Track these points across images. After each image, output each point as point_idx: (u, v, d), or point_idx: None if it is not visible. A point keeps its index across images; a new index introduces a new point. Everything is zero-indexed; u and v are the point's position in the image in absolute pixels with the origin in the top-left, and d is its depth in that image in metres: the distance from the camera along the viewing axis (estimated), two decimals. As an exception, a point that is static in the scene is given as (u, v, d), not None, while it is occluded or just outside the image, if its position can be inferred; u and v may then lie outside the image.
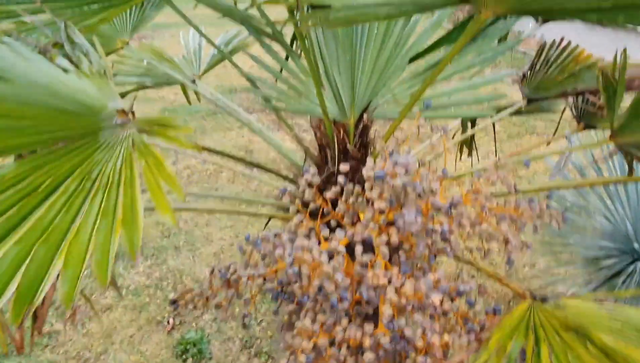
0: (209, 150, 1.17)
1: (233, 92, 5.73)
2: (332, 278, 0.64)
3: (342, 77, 1.10)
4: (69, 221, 0.46)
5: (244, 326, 0.92)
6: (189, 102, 1.90)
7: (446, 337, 0.64)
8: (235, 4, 1.13)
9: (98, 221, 0.47)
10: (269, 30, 1.01)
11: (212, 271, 0.94)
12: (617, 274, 2.08)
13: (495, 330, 0.59)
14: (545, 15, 0.67)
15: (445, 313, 0.69)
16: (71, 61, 0.74)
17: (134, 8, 0.97)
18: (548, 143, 1.51)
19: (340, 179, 0.77)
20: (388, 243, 0.70)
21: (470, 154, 1.83)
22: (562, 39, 1.45)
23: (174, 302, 0.95)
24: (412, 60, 1.11)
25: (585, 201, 2.16)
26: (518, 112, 1.54)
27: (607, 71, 0.84)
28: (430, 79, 0.78)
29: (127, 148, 0.57)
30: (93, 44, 0.79)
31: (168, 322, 2.66)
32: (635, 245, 1.93)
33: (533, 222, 0.94)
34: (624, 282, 2.02)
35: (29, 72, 0.65)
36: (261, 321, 2.68)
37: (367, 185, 0.75)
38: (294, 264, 0.67)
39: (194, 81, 1.64)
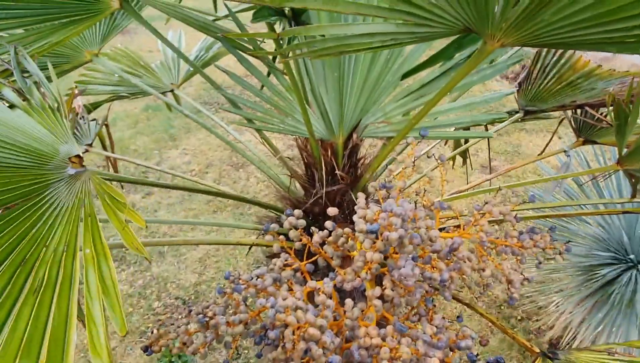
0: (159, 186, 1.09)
1: (220, 89, 5.61)
2: (320, 340, 0.57)
3: (330, 95, 1.02)
4: (38, 276, 0.38)
5: (225, 372, 0.84)
6: (169, 109, 1.81)
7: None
8: (215, 9, 1.05)
9: (68, 322, 0.39)
10: (248, 46, 0.93)
11: (189, 312, 0.86)
12: (611, 282, 2.05)
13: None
14: (551, 47, 0.60)
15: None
16: (20, 94, 0.65)
17: (102, 17, 0.87)
18: (540, 154, 1.45)
19: (329, 224, 0.69)
20: (381, 297, 0.63)
21: (464, 163, 1.77)
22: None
23: (146, 349, 0.87)
24: (404, 76, 1.03)
25: (581, 209, 2.11)
26: (514, 123, 1.48)
27: (621, 99, 0.77)
28: (426, 109, 0.71)
29: (87, 210, 0.49)
30: (46, 68, 0.70)
31: (152, 332, 2.57)
32: (631, 256, 1.89)
33: (536, 255, 0.88)
34: (617, 291, 1.99)
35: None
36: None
37: (357, 228, 0.68)
38: (276, 323, 0.60)
39: (172, 91, 1.55)
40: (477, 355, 0.66)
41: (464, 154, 1.81)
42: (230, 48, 0.93)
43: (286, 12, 0.88)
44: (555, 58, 1.42)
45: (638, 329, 1.95)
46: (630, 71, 1.38)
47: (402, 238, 0.57)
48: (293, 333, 0.61)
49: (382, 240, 0.58)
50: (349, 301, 0.63)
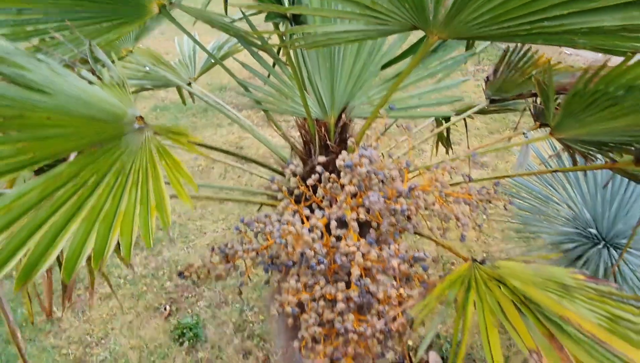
0: (205, 146, 1.32)
1: (223, 90, 5.88)
2: (311, 246, 0.81)
3: (323, 82, 1.26)
4: (115, 206, 0.62)
5: (240, 293, 1.08)
6: (184, 103, 2.06)
7: (402, 291, 0.80)
8: (226, 11, 1.29)
9: (138, 206, 0.63)
10: (257, 42, 1.17)
11: (212, 249, 1.10)
12: (579, 257, 2.28)
13: (439, 283, 0.75)
14: (478, 40, 0.84)
15: (403, 275, 0.86)
16: (93, 74, 0.90)
17: (143, 21, 1.12)
18: (509, 139, 1.69)
19: (319, 168, 0.94)
20: (357, 220, 0.86)
21: (447, 152, 2.00)
22: (523, 45, 1.62)
23: (180, 274, 1.11)
24: (384, 67, 1.28)
25: (551, 191, 2.35)
26: (483, 111, 1.72)
27: (539, 78, 1.01)
28: (393, 86, 0.95)
29: (149, 151, 0.73)
30: (111, 58, 0.94)
31: (165, 309, 2.81)
32: (593, 231, 2.12)
33: (482, 204, 1.12)
34: (584, 264, 2.23)
35: (64, 86, 0.81)
36: (253, 306, 2.84)
37: (342, 174, 0.92)
38: (281, 236, 0.83)
39: (189, 84, 1.80)
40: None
41: (447, 142, 2.05)
42: (245, 44, 1.17)
43: (288, 15, 1.13)
44: (519, 55, 1.66)
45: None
46: (590, 66, 1.62)
47: (370, 173, 0.81)
48: (293, 248, 0.85)
49: (355, 176, 0.82)
50: (333, 224, 0.87)
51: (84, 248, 0.56)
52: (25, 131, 0.64)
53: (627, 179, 2.24)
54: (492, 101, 1.63)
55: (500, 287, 0.69)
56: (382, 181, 0.87)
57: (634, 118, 1.00)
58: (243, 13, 1.13)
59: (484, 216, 3.66)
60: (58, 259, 1.20)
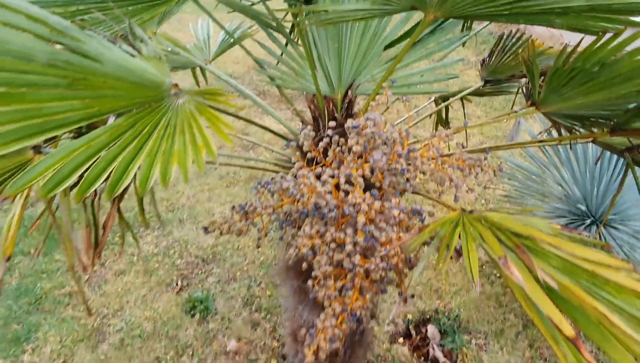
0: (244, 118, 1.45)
1: (252, 56, 5.98)
2: (324, 197, 0.94)
3: (332, 62, 1.39)
4: (169, 146, 0.75)
5: (258, 246, 1.21)
6: (198, 85, 2.18)
7: (401, 234, 0.93)
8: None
9: (189, 146, 0.76)
10: (273, 23, 1.30)
11: (233, 207, 1.23)
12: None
13: (431, 224, 0.88)
14: (472, 18, 0.96)
15: (403, 225, 0.99)
16: (133, 48, 1.03)
17: (173, 3, 1.25)
18: (500, 117, 1.80)
19: (329, 132, 1.07)
20: (363, 176, 0.99)
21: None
22: (517, 30, 1.74)
23: (205, 229, 1.24)
24: (387, 47, 1.41)
25: (544, 171, 2.48)
26: (478, 92, 1.85)
27: (525, 57, 1.14)
28: (394, 63, 1.08)
29: (189, 110, 0.86)
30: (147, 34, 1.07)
31: (177, 284, 2.96)
32: (582, 207, 2.25)
33: (474, 170, 1.25)
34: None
35: (112, 57, 0.94)
36: (260, 283, 2.99)
37: (349, 139, 1.05)
38: (297, 189, 0.97)
39: (203, 65, 1.92)
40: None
41: (445, 122, 2.18)
42: (262, 25, 1.30)
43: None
44: (513, 40, 1.78)
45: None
46: (567, 45, 1.75)
47: (374, 134, 0.94)
48: (307, 199, 0.98)
49: (361, 137, 0.95)
50: (342, 179, 1.01)
51: (151, 173, 0.70)
52: (88, 90, 0.77)
53: (615, 159, 2.37)
54: (486, 82, 1.76)
55: (481, 222, 0.82)
56: (385, 143, 1.00)
57: (608, 92, 1.13)
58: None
59: (483, 201, 3.80)
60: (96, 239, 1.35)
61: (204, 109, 0.84)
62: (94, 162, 0.66)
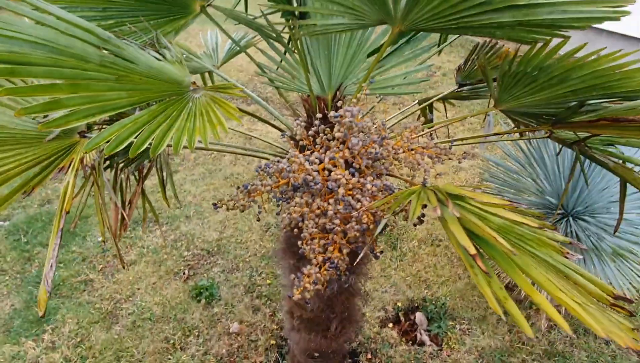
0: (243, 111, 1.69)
1: (254, 60, 6.24)
2: (311, 173, 1.18)
3: (323, 67, 1.64)
4: (193, 123, 0.99)
5: (258, 219, 1.45)
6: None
7: (373, 202, 1.17)
8: (246, 10, 1.67)
9: (207, 124, 1.00)
10: (273, 34, 1.55)
11: (238, 187, 1.47)
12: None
13: (395, 194, 1.12)
14: (429, 31, 1.20)
15: (375, 197, 1.22)
16: (159, 53, 1.28)
17: (190, 17, 1.51)
18: (473, 115, 2.04)
19: (317, 122, 1.31)
20: (346, 160, 1.23)
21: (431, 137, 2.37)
22: (491, 40, 1.99)
23: (215, 205, 1.48)
24: (369, 55, 1.65)
25: (519, 167, 2.72)
26: (454, 96, 2.09)
27: (482, 63, 1.38)
28: (371, 67, 1.32)
29: (206, 100, 1.10)
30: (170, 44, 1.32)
31: (184, 274, 3.19)
32: (553, 200, 2.48)
33: (439, 157, 1.49)
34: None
35: (145, 60, 1.18)
36: (261, 272, 3.22)
37: (334, 129, 1.29)
38: (290, 166, 1.20)
39: (211, 72, 2.17)
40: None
41: (428, 120, 2.42)
42: (263, 36, 1.54)
43: (296, 13, 1.50)
44: (487, 49, 2.03)
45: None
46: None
47: (351, 123, 1.18)
48: (298, 174, 1.22)
49: (342, 126, 1.19)
50: (327, 159, 1.24)
51: (180, 140, 0.94)
52: (130, 84, 1.01)
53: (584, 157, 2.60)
54: (460, 86, 2.00)
55: (432, 191, 1.05)
56: (362, 131, 1.24)
57: (549, 92, 1.37)
58: (262, 12, 1.51)
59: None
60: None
61: (216, 98, 1.09)
62: (140, 133, 0.90)
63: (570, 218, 2.56)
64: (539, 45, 1.21)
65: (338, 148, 1.28)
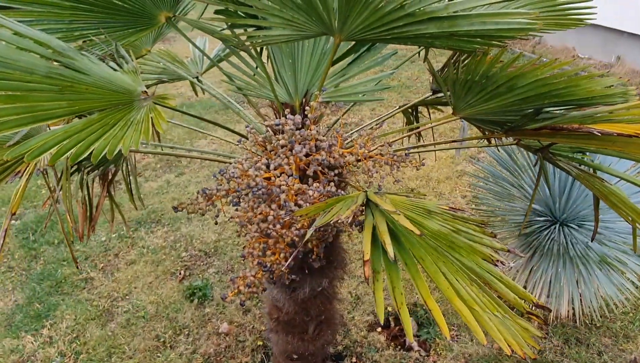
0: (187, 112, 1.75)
1: (223, 71, 6.35)
2: (253, 179, 1.22)
3: (288, 74, 1.68)
4: (125, 131, 1.05)
5: (216, 223, 1.50)
6: (196, 94, 2.51)
7: (306, 207, 1.21)
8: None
9: (140, 132, 1.06)
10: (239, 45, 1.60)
11: (198, 192, 1.52)
12: (540, 233, 2.61)
13: (328, 199, 1.15)
14: (364, 42, 1.23)
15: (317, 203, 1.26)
16: (117, 64, 1.35)
17: (155, 28, 1.57)
18: (442, 122, 2.05)
19: (269, 130, 1.36)
20: (297, 164, 1.28)
21: (419, 139, 2.38)
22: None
23: (175, 208, 1.54)
24: (333, 63, 1.69)
25: (515, 177, 2.70)
26: (428, 102, 2.10)
27: (432, 70, 1.40)
28: (323, 75, 1.36)
29: (147, 109, 1.16)
30: (129, 54, 1.39)
31: (180, 274, 3.28)
32: (537, 207, 2.46)
33: (392, 163, 1.51)
34: (541, 241, 2.56)
35: (97, 71, 1.25)
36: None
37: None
38: (235, 168, 1.25)
39: (197, 77, 2.25)
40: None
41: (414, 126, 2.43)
42: (228, 46, 1.60)
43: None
44: (463, 57, 2.03)
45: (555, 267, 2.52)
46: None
47: (293, 130, 1.22)
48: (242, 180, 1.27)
49: (286, 133, 1.23)
50: (272, 166, 1.29)
51: (116, 147, 1.00)
52: (73, 94, 1.08)
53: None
54: (434, 92, 2.02)
55: (372, 194, 1.09)
56: (306, 139, 1.28)
57: (499, 101, 1.38)
58: (226, 23, 1.57)
59: (450, 202, 3.99)
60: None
61: (155, 109, 1.15)
62: (69, 141, 0.97)
63: (559, 226, 2.53)
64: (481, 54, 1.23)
65: (286, 155, 1.32)
